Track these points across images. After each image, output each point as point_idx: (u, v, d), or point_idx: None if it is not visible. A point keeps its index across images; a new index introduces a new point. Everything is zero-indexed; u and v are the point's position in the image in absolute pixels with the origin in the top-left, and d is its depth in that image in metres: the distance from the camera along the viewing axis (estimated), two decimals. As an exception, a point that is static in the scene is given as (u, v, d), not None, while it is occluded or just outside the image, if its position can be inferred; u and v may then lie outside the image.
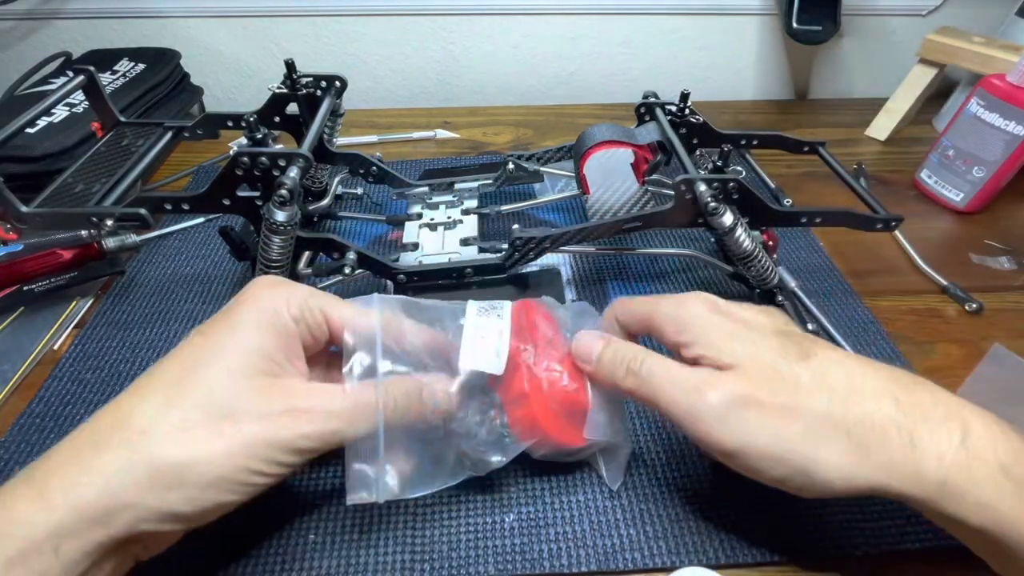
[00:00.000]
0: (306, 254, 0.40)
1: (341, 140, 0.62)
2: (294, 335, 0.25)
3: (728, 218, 0.35)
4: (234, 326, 0.25)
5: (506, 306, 0.29)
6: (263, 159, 0.34)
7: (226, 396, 0.23)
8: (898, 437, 0.22)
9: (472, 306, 0.29)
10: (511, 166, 0.45)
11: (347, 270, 0.37)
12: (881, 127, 0.65)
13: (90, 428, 0.22)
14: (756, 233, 0.38)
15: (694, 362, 0.26)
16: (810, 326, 0.39)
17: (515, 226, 0.37)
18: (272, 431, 0.23)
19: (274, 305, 0.25)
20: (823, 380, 0.24)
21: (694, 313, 0.27)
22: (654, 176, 0.44)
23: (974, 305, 0.43)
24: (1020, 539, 0.21)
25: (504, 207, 0.46)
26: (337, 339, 0.27)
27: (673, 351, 0.28)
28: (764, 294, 0.39)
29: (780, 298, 0.39)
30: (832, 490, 0.24)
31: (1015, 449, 0.22)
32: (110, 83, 0.59)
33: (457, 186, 0.48)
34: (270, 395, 0.23)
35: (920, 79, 0.62)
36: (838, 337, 0.39)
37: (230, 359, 0.23)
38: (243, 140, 0.43)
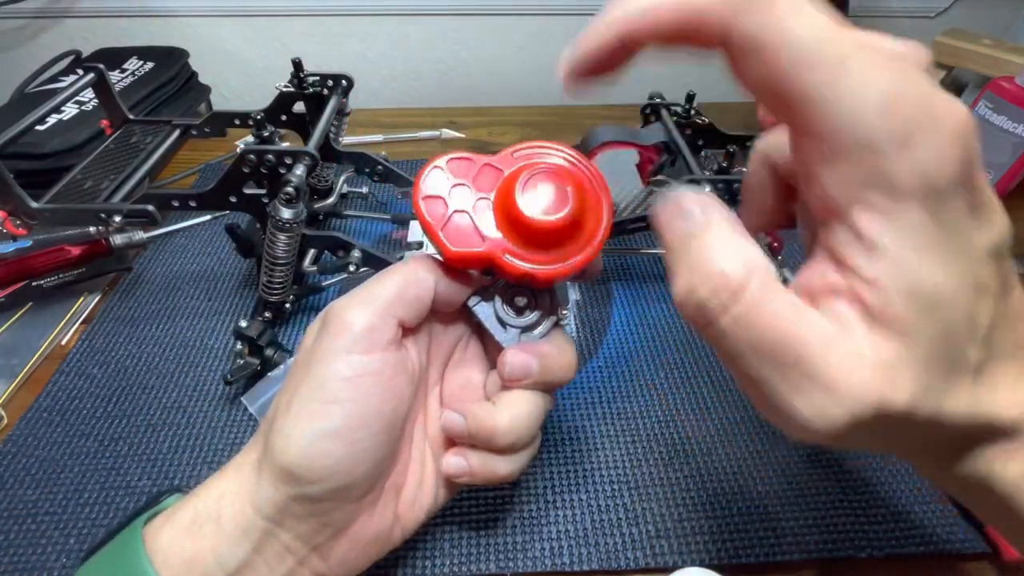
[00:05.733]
0: (311, 252, 0.40)
1: (347, 139, 0.62)
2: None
3: (733, 219, 0.35)
4: None
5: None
6: (269, 157, 0.34)
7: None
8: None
9: None
10: (516, 166, 0.46)
11: (352, 268, 0.37)
12: (888, 129, 0.65)
13: None
14: (761, 235, 0.38)
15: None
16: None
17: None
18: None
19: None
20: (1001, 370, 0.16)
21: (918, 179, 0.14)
22: (659, 177, 0.44)
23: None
24: None
25: (509, 207, 0.46)
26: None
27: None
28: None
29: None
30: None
31: None
32: (119, 81, 0.59)
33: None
34: None
35: (928, 81, 0.62)
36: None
37: None
38: (250, 138, 0.44)
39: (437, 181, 0.23)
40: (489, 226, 0.23)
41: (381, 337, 0.23)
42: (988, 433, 0.16)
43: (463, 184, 0.23)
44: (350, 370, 0.22)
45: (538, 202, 0.22)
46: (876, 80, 0.13)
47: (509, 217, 0.22)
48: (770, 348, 0.15)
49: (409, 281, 0.23)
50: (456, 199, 0.23)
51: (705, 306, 0.15)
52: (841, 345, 0.15)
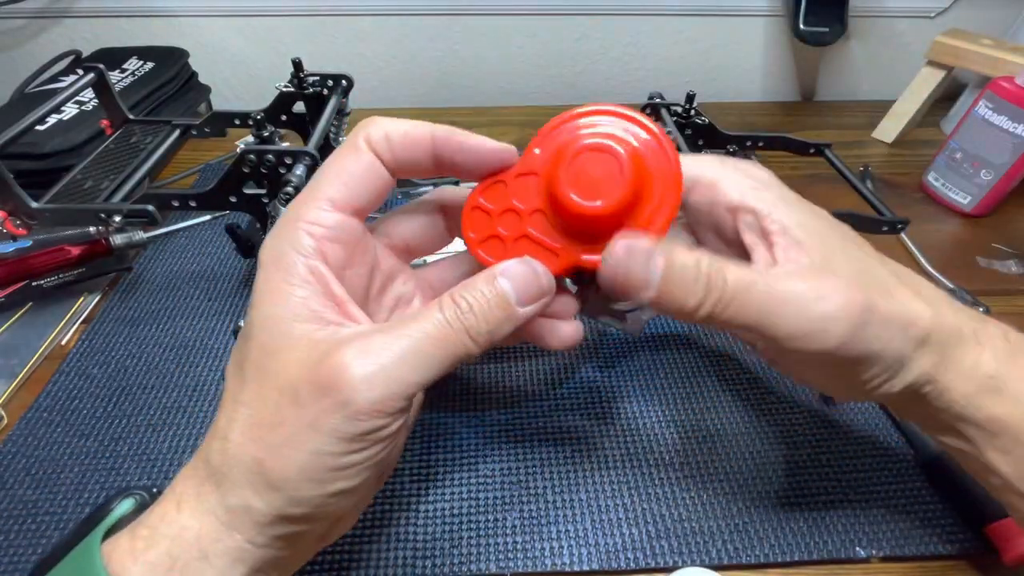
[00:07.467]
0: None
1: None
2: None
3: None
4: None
5: None
6: (269, 157, 0.34)
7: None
8: (971, 336, 0.22)
9: None
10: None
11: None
12: (888, 129, 0.65)
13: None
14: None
15: (765, 243, 0.23)
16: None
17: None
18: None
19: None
20: (907, 282, 0.23)
21: (765, 179, 0.25)
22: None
23: (981, 309, 0.43)
24: None
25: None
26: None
27: (706, 225, 0.25)
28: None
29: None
30: (897, 391, 0.22)
31: None
32: (119, 81, 0.59)
33: (462, 185, 0.49)
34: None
35: (928, 81, 0.62)
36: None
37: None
38: (250, 138, 0.44)
39: (481, 221, 0.22)
40: (553, 236, 0.21)
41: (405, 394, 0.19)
42: (918, 336, 0.22)
43: (509, 210, 0.22)
44: (362, 454, 0.19)
45: (588, 189, 0.20)
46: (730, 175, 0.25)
47: (569, 218, 0.21)
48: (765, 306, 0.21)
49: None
50: (509, 227, 0.22)
51: (705, 282, 0.21)
52: (794, 277, 0.21)
